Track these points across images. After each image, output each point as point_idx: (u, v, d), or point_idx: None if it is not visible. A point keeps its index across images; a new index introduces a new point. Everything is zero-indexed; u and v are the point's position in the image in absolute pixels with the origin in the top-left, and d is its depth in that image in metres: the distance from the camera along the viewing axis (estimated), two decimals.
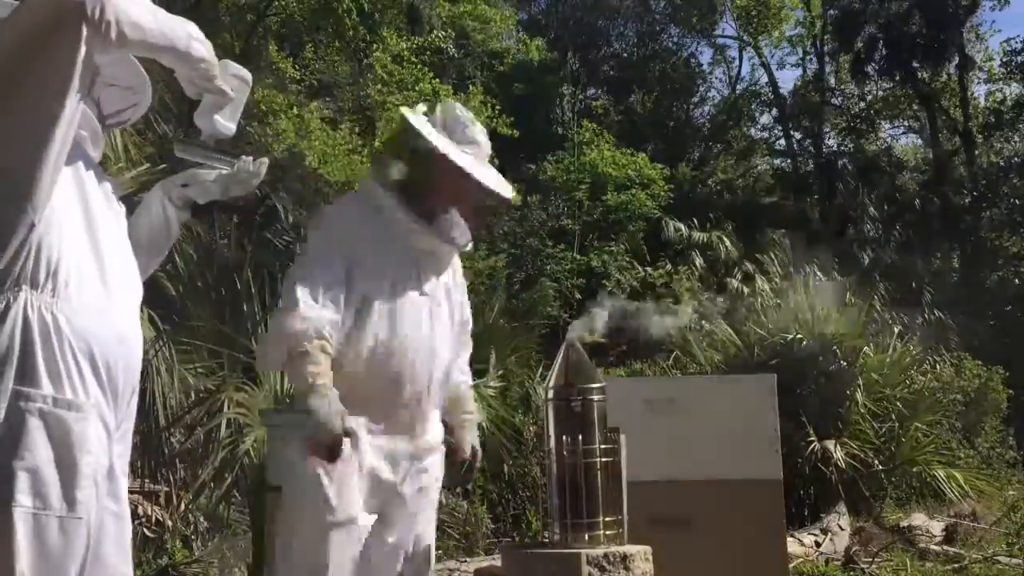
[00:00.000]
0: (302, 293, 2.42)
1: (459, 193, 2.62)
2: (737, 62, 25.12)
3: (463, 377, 2.86)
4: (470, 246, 2.76)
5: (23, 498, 1.65)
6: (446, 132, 2.60)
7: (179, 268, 6.78)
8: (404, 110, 2.71)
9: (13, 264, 1.71)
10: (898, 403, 9.18)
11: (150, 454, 5.55)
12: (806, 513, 7.98)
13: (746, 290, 15.77)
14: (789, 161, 23.74)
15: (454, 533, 7.11)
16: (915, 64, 22.01)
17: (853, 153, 22.72)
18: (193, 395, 5.91)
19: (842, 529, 7.36)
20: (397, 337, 2.52)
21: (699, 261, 17.10)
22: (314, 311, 2.41)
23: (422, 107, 2.69)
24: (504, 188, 2.72)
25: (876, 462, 8.71)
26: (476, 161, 2.62)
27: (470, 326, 2.86)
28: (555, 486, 2.61)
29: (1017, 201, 21.35)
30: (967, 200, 22.05)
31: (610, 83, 23.09)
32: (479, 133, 2.68)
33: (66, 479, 1.73)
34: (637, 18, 23.39)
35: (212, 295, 6.67)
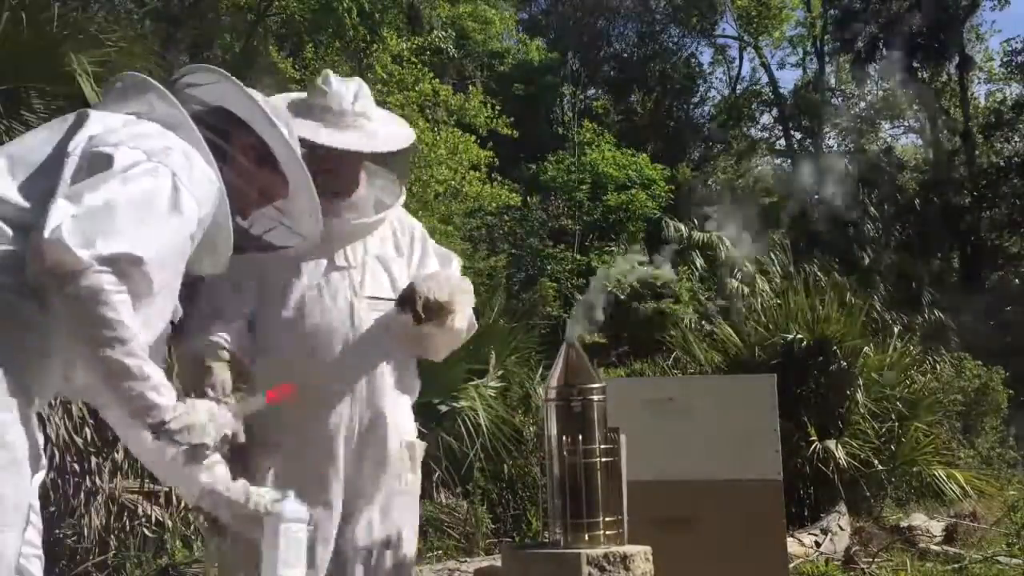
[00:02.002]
0: None
1: (327, 170, 2.40)
2: (737, 62, 25.16)
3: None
4: (395, 202, 2.61)
5: None
6: (303, 111, 2.47)
7: None
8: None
9: None
10: (898, 403, 9.18)
11: None
12: (806, 513, 7.98)
13: (746, 290, 15.78)
14: (789, 161, 23.76)
15: (454, 533, 7.10)
16: (915, 64, 22.03)
17: (853, 153, 22.73)
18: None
19: (842, 529, 7.36)
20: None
21: (699, 261, 17.11)
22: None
23: (283, 96, 2.58)
24: (386, 141, 2.54)
25: (876, 462, 8.71)
26: (319, 126, 2.45)
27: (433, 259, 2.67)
28: (555, 486, 2.60)
29: (1017, 201, 21.37)
30: (967, 200, 22.06)
31: (610, 83, 23.10)
32: (331, 87, 2.51)
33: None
34: (637, 18, 23.41)
35: None
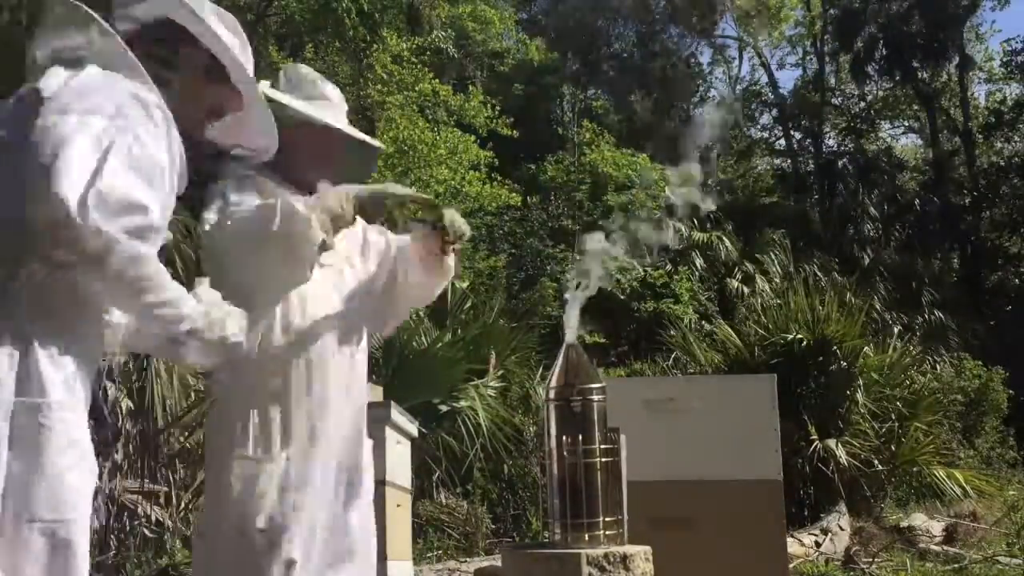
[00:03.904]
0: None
1: (328, 150, 2.51)
2: (737, 62, 25.17)
3: None
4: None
5: None
6: (296, 93, 2.50)
7: (178, 269, 6.78)
8: (261, 86, 2.58)
9: None
10: (898, 403, 9.19)
11: (150, 454, 5.55)
12: (806, 513, 7.99)
13: (746, 290, 15.79)
14: (789, 161, 23.76)
15: (454, 533, 7.11)
16: (915, 64, 22.03)
17: (853, 153, 22.73)
18: (192, 395, 5.91)
19: (842, 529, 7.37)
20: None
21: (699, 261, 17.11)
22: None
23: (265, 83, 2.53)
24: (371, 138, 2.68)
25: (876, 462, 8.72)
26: (336, 115, 2.53)
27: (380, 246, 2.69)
28: (555, 486, 2.60)
29: (1017, 201, 21.37)
30: (967, 200, 22.06)
31: (610, 83, 23.11)
32: (330, 89, 2.57)
33: None
34: (637, 18, 23.41)
35: None
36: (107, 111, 1.70)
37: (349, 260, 2.54)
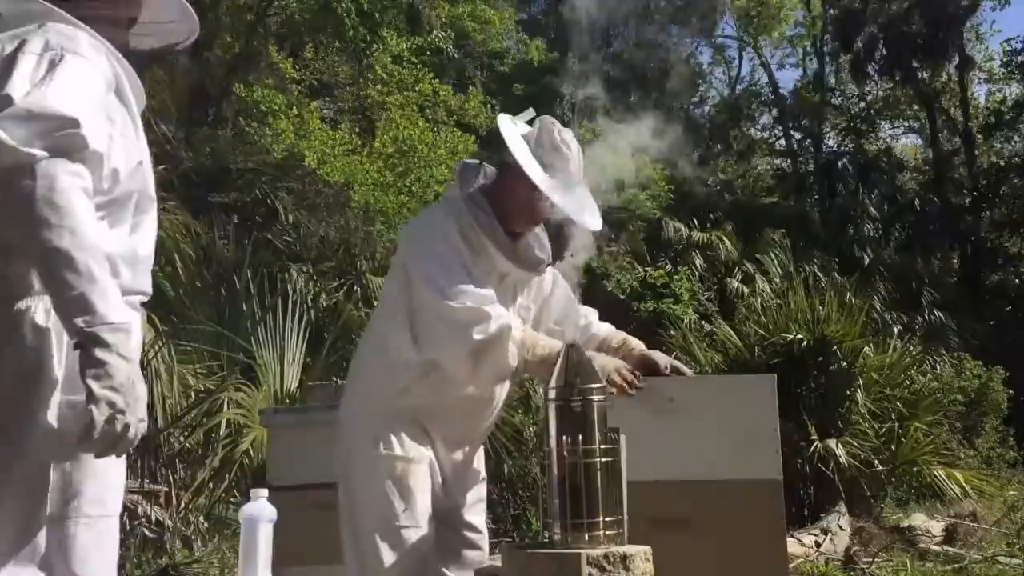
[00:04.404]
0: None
1: (540, 216, 2.60)
2: (737, 62, 25.17)
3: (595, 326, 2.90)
4: (544, 268, 2.72)
5: None
6: (538, 151, 2.53)
7: (178, 269, 6.78)
8: (502, 117, 2.60)
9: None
10: (898, 403, 9.19)
11: (150, 454, 5.55)
12: (806, 513, 7.98)
13: (746, 290, 15.79)
14: (789, 161, 23.75)
15: None
16: (915, 64, 22.03)
17: (853, 153, 22.73)
18: (192, 395, 5.92)
19: (842, 529, 7.36)
20: None
21: (699, 261, 17.12)
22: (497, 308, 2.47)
23: (526, 115, 2.61)
24: (590, 218, 2.64)
25: (876, 462, 8.71)
26: (560, 185, 2.54)
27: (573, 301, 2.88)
28: (555, 486, 2.60)
29: (1017, 201, 21.37)
30: (967, 200, 22.07)
31: (610, 83, 23.09)
32: (573, 158, 2.59)
33: None
34: (637, 18, 23.40)
35: (211, 295, 6.68)
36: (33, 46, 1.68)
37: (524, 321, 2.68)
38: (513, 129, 2.56)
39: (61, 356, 1.66)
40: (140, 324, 1.84)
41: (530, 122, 2.62)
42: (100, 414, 1.53)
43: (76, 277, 1.53)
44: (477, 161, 2.73)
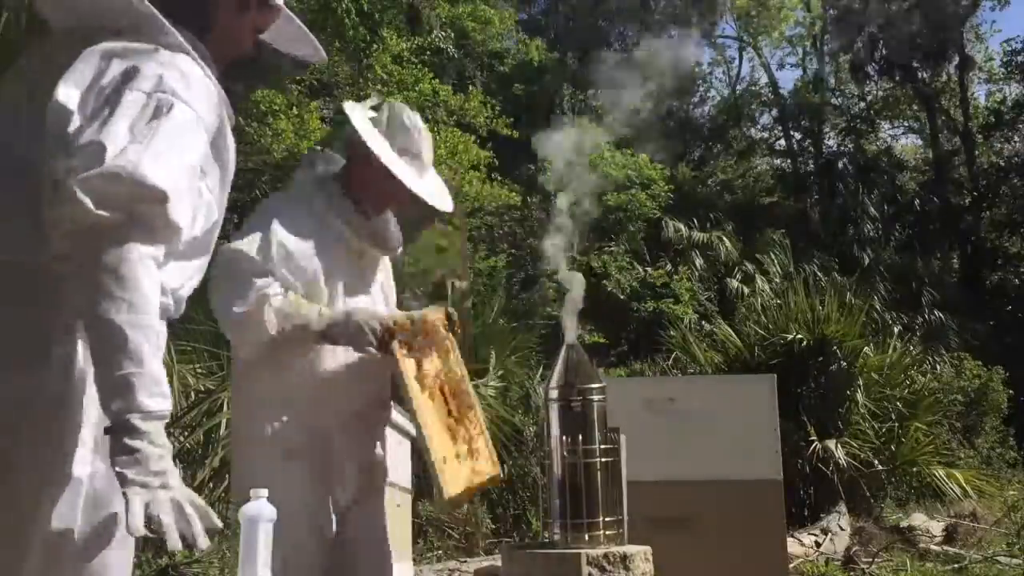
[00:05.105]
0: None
1: (392, 199, 2.62)
2: (737, 62, 25.15)
3: None
4: (399, 252, 2.74)
5: None
6: (389, 135, 2.56)
7: None
8: (347, 104, 2.63)
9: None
10: (898, 403, 9.19)
11: None
12: (806, 513, 7.99)
13: (746, 290, 15.78)
14: (789, 161, 23.74)
15: (454, 533, 7.11)
16: (915, 64, 22.02)
17: (853, 153, 22.72)
18: (192, 395, 5.91)
19: (842, 529, 7.37)
20: None
21: (699, 261, 17.11)
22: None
23: (371, 101, 2.64)
24: (441, 200, 2.69)
25: (876, 462, 8.72)
26: (413, 169, 2.59)
27: None
28: (555, 486, 2.60)
29: (1017, 201, 21.36)
30: (967, 200, 22.06)
31: (610, 83, 23.07)
32: (423, 142, 2.64)
33: None
34: (637, 18, 23.40)
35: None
36: (141, 84, 1.58)
37: (386, 299, 2.71)
38: (362, 114, 2.57)
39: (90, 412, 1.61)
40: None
41: (377, 108, 2.62)
42: (140, 499, 1.45)
43: (124, 358, 1.47)
44: (320, 148, 2.77)
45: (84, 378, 1.60)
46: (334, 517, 2.47)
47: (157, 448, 1.48)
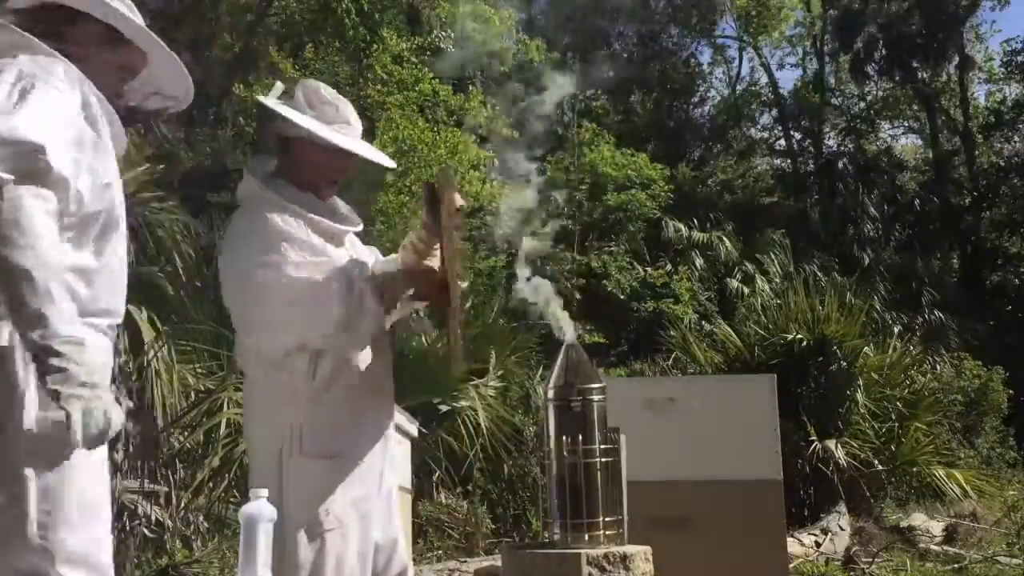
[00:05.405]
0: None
1: (343, 171, 2.62)
2: (737, 62, 25.14)
3: None
4: (360, 226, 2.75)
5: None
6: (316, 113, 2.56)
7: (178, 268, 6.78)
8: (260, 98, 2.68)
9: None
10: (898, 403, 9.19)
11: (150, 454, 5.55)
12: (806, 513, 7.99)
13: (746, 290, 15.79)
14: (789, 161, 23.74)
15: (454, 533, 7.11)
16: (915, 64, 22.02)
17: (853, 153, 22.72)
18: (192, 395, 5.91)
19: (842, 529, 7.37)
20: None
21: (699, 261, 17.11)
22: None
23: (278, 89, 2.62)
24: (385, 159, 2.80)
25: (876, 462, 8.71)
26: (351, 138, 2.59)
27: None
28: (555, 486, 2.60)
29: (1017, 201, 21.36)
30: (967, 200, 22.06)
31: (610, 83, 23.08)
32: (348, 109, 2.63)
33: None
34: (637, 18, 23.39)
35: (211, 295, 6.66)
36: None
37: None
38: (278, 102, 2.57)
39: (28, 376, 1.71)
40: (109, 350, 1.88)
41: (289, 92, 2.63)
42: (75, 410, 1.61)
43: (34, 295, 1.61)
44: (251, 160, 2.79)
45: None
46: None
47: (82, 366, 1.62)
